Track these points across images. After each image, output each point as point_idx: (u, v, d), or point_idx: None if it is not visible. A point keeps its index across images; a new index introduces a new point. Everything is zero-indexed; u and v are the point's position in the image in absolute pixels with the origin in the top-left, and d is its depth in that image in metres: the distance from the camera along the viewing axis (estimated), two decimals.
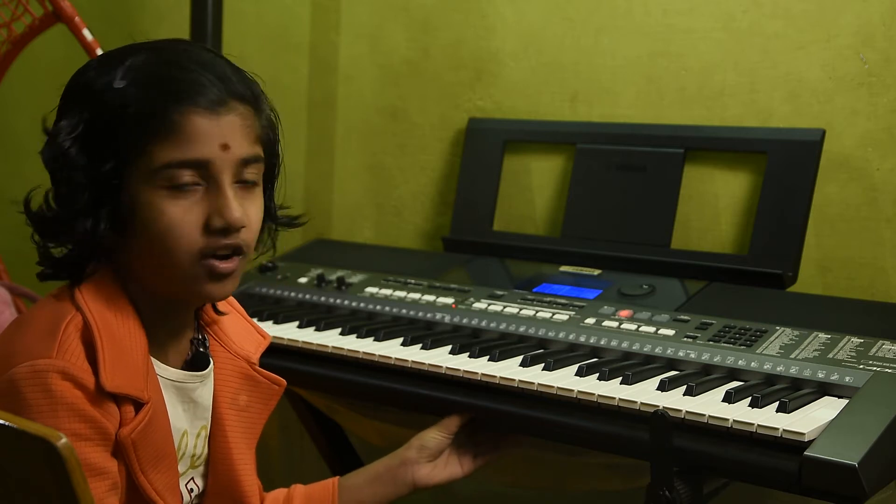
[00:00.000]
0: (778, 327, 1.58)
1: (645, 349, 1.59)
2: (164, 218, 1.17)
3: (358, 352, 1.67)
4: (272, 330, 1.78)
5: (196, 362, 1.32)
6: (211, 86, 1.18)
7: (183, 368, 1.30)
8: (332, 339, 1.73)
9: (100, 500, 1.15)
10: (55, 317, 1.18)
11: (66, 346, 1.15)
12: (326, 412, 1.98)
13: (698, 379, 1.47)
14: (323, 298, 1.94)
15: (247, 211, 1.21)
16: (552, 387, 1.47)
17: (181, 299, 1.27)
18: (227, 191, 1.19)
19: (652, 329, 1.64)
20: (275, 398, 1.39)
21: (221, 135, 1.18)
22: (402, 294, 1.89)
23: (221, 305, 1.37)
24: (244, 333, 1.40)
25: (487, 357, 1.60)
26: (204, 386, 1.33)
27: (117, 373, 1.17)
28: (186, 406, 1.31)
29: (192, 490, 1.34)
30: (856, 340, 1.51)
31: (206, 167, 1.18)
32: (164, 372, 1.27)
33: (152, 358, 1.25)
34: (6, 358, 1.16)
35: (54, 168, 1.19)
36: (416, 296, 1.88)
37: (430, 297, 1.86)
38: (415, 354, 1.63)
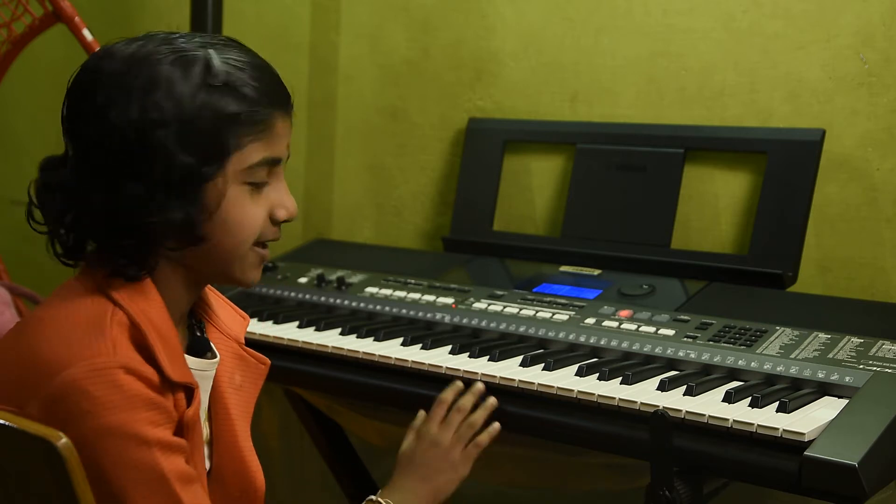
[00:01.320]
0: (778, 327, 1.58)
1: (645, 349, 1.59)
2: (246, 211, 1.21)
3: (358, 352, 1.67)
4: (272, 330, 1.78)
5: (195, 346, 1.32)
6: (285, 88, 1.24)
7: (186, 353, 1.31)
8: (332, 339, 1.73)
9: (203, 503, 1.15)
10: (94, 314, 1.15)
11: (118, 342, 1.13)
12: (326, 412, 1.98)
13: (698, 379, 1.47)
14: (323, 298, 1.94)
15: None
16: (552, 387, 1.47)
17: (217, 283, 1.30)
18: (286, 186, 1.26)
19: (652, 329, 1.63)
20: (262, 377, 1.40)
21: (288, 135, 1.25)
22: (402, 294, 1.89)
23: (208, 287, 1.38)
24: (229, 314, 1.40)
25: (487, 357, 1.60)
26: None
27: (173, 362, 1.17)
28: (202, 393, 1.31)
29: None
30: (856, 340, 1.51)
31: (277, 165, 1.24)
32: (188, 362, 1.27)
33: None
34: (47, 361, 1.12)
35: (151, 164, 1.15)
36: (416, 296, 1.88)
37: (430, 297, 1.86)
38: (415, 354, 1.63)
